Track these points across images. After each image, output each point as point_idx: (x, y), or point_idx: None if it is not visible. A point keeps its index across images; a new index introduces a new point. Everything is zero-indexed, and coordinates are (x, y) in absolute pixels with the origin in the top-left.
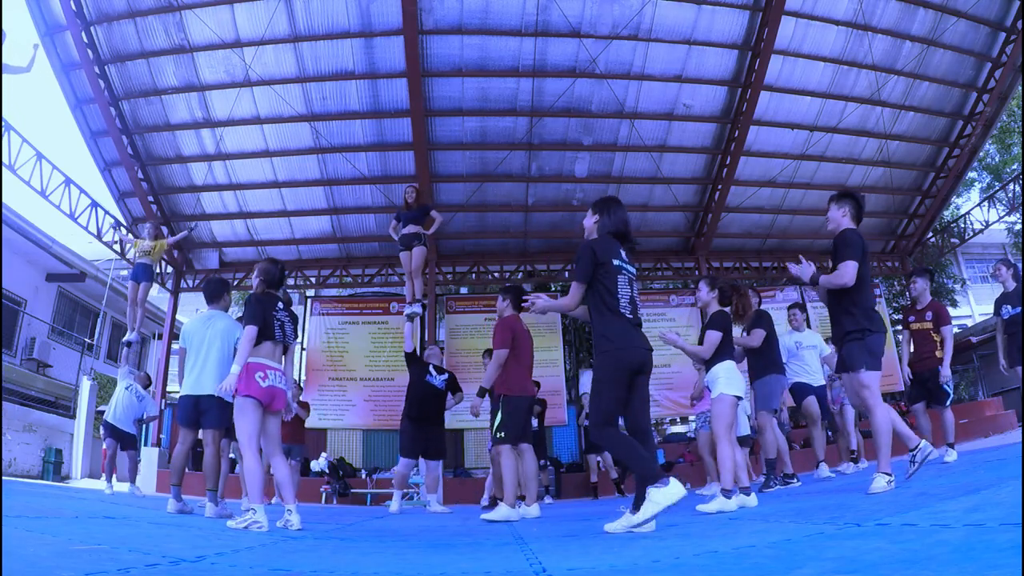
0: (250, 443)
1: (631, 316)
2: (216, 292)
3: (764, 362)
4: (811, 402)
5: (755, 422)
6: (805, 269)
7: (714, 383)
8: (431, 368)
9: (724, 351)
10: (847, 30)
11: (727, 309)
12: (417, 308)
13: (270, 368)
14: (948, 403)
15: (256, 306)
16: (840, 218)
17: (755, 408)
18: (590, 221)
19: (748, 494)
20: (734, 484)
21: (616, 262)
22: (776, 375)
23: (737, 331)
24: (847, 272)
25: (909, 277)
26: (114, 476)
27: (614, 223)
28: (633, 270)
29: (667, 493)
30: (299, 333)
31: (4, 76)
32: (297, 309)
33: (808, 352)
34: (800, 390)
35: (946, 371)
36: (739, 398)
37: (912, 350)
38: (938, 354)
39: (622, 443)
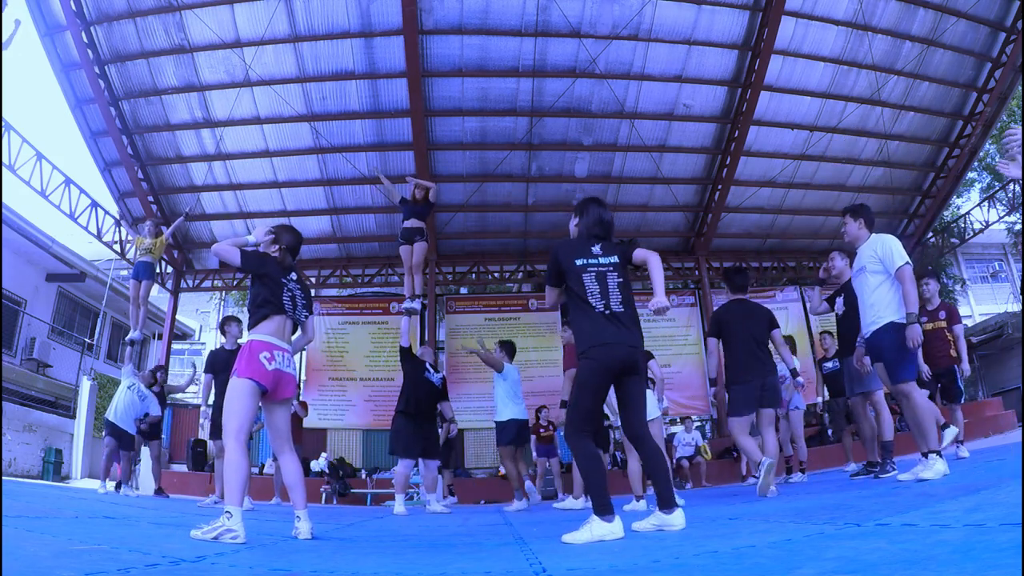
0: (239, 433)
1: (604, 310)
2: (512, 350)
3: (842, 345)
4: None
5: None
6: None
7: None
8: (428, 365)
9: None
10: (847, 30)
11: None
12: (416, 304)
13: (278, 348)
14: (962, 401)
15: (258, 257)
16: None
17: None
18: (572, 224)
19: (639, 500)
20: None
21: (580, 261)
22: (848, 357)
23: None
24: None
25: (921, 279)
26: (108, 476)
27: (589, 223)
28: (607, 262)
29: (606, 528)
30: (312, 309)
31: None
32: None
33: (863, 279)
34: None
35: (966, 366)
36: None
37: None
38: (952, 353)
39: (588, 460)
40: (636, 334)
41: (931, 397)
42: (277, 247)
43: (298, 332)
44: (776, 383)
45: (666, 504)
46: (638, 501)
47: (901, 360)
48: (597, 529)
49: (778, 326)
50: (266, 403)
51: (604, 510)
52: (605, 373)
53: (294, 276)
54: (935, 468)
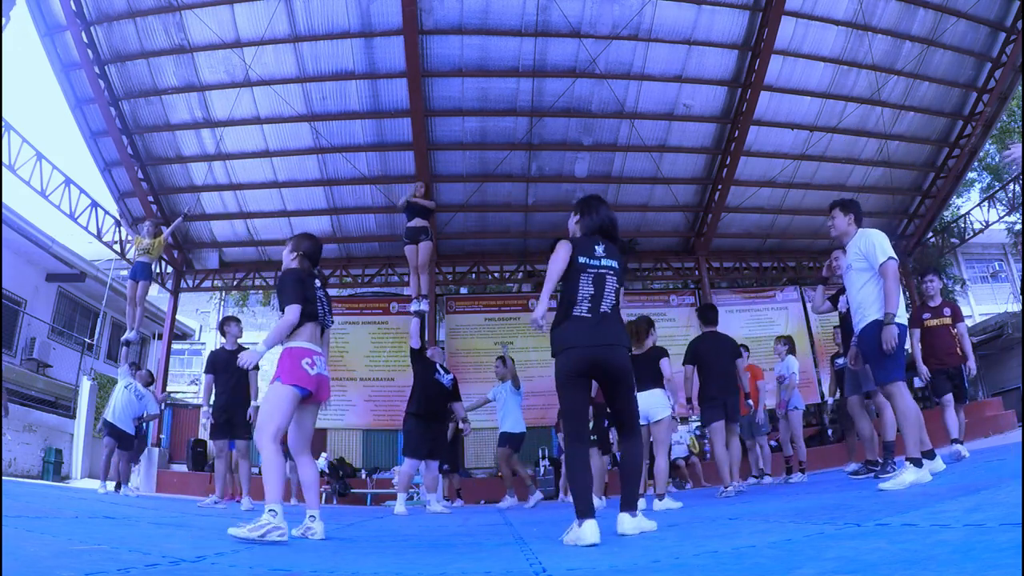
0: (276, 436)
1: (586, 314)
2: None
3: (846, 343)
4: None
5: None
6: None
7: None
8: (438, 366)
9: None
10: (847, 30)
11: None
12: (424, 305)
13: (316, 353)
14: (966, 401)
15: (296, 283)
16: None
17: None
18: (572, 222)
19: (661, 499)
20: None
21: (582, 259)
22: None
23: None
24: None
25: (924, 276)
26: (108, 475)
27: (596, 221)
28: (608, 264)
29: (576, 534)
30: (332, 314)
31: None
32: None
33: (850, 277)
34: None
35: (973, 364)
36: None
37: (925, 347)
38: (958, 351)
39: (577, 468)
40: (614, 333)
41: (944, 392)
42: (295, 255)
43: None
44: (736, 403)
45: (625, 505)
46: (660, 500)
47: (885, 360)
48: (571, 536)
49: (741, 356)
50: (302, 404)
51: (580, 514)
52: (573, 375)
53: (317, 283)
54: (900, 478)
